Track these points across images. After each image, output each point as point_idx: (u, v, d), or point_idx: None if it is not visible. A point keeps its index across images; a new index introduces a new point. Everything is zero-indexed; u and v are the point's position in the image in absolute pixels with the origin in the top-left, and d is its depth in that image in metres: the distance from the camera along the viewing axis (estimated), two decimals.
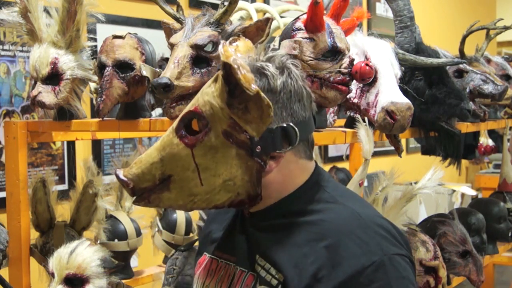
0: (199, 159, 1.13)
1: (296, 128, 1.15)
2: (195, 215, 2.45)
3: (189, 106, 1.16)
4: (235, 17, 2.02)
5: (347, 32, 1.58)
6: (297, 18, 1.54)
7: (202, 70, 1.50)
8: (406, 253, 1.17)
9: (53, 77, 1.73)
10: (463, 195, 4.58)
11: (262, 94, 1.06)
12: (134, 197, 1.18)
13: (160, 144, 1.16)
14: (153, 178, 1.15)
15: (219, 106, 1.11)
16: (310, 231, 1.18)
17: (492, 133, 3.44)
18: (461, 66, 2.21)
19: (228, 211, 1.35)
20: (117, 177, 1.17)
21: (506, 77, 2.65)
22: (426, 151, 2.67)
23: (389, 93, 1.59)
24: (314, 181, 1.24)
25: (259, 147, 1.12)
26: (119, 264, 1.96)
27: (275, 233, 1.22)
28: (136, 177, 1.15)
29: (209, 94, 1.12)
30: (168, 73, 1.45)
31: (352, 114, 1.75)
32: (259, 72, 1.14)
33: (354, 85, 1.63)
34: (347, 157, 2.92)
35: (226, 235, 1.34)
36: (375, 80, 1.61)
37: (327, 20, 1.51)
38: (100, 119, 1.71)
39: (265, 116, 1.08)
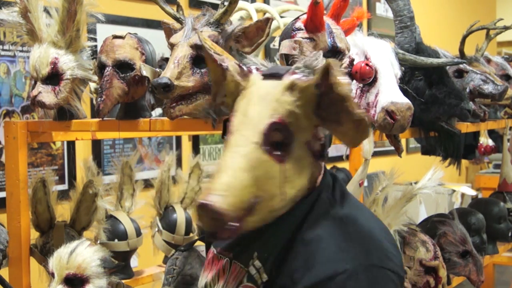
0: (287, 173, 1.07)
1: None
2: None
3: (268, 116, 1.06)
4: (235, 17, 2.02)
5: (347, 32, 1.58)
6: (297, 18, 1.54)
7: (202, 70, 1.50)
8: (392, 267, 1.11)
9: (53, 77, 1.73)
10: (463, 195, 4.58)
11: (366, 118, 1.04)
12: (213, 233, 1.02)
13: (247, 164, 1.02)
14: (246, 205, 1.02)
15: (306, 116, 1.06)
16: (300, 234, 1.15)
17: (492, 133, 3.44)
18: (461, 66, 2.21)
19: None
20: (207, 207, 0.98)
21: (506, 77, 2.65)
22: (426, 151, 2.67)
23: (389, 93, 1.59)
24: (326, 182, 1.20)
25: (328, 151, 1.14)
26: (119, 264, 1.96)
27: (273, 232, 1.19)
28: (234, 207, 0.99)
29: (290, 104, 1.05)
30: (168, 73, 1.45)
31: None
32: None
33: (354, 85, 1.63)
34: (347, 157, 2.91)
35: None
36: (375, 80, 1.61)
37: (327, 20, 1.51)
38: (100, 119, 1.70)
39: (363, 128, 1.04)
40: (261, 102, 1.07)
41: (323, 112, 1.06)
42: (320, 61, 1.11)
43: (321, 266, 1.09)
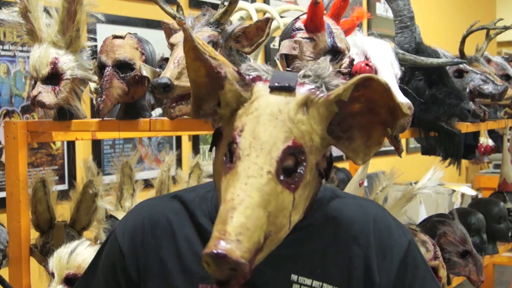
0: (297, 200, 0.94)
1: None
2: None
3: (283, 140, 0.93)
4: (235, 17, 2.02)
5: (347, 32, 1.58)
6: (297, 18, 1.54)
7: None
8: None
9: (53, 77, 1.73)
10: (463, 195, 4.57)
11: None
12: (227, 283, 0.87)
13: (262, 199, 0.88)
14: (260, 245, 0.88)
15: (320, 135, 0.97)
16: (341, 232, 1.15)
17: (492, 133, 3.44)
18: (461, 66, 2.21)
19: (172, 234, 1.18)
20: (225, 259, 0.82)
21: (506, 77, 2.65)
22: (426, 151, 2.67)
23: None
24: (325, 186, 1.19)
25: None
26: None
27: (305, 245, 1.13)
28: (250, 252, 0.85)
29: (305, 123, 0.95)
30: (168, 73, 1.45)
31: None
32: None
33: None
34: (347, 157, 2.91)
35: None
36: None
37: (327, 20, 1.51)
38: (100, 119, 1.70)
39: (375, 142, 0.98)
40: (273, 122, 0.94)
41: (336, 129, 0.98)
42: (327, 69, 1.01)
43: (395, 248, 1.17)
